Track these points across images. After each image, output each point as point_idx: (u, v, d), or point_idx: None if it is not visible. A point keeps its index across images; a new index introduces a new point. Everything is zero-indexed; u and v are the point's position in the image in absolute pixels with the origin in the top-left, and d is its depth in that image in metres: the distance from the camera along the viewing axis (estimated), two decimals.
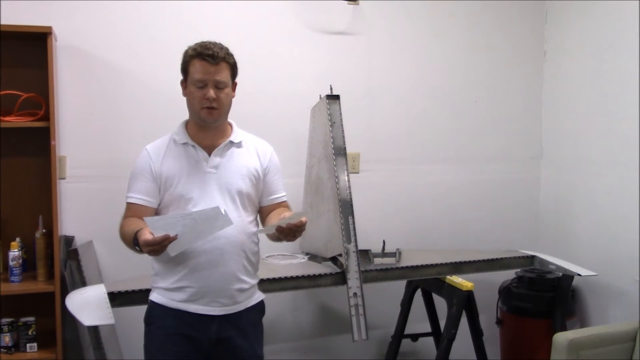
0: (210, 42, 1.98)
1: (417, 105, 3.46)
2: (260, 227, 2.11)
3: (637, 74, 2.99)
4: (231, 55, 2.00)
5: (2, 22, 2.55)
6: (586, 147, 3.36)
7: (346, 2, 3.26)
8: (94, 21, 2.87)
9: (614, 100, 3.17)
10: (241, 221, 2.00)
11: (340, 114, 2.78)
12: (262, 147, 2.12)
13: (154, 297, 2.04)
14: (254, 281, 2.10)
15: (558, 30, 3.56)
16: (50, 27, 2.53)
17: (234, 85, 2.05)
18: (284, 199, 2.16)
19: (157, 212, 2.02)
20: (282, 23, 3.18)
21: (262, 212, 2.13)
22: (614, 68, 3.16)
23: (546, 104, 3.67)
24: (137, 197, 1.99)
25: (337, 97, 2.81)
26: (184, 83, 2.02)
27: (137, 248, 1.83)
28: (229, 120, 2.10)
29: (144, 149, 2.05)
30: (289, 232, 1.86)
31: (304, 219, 1.86)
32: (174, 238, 1.74)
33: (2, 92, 2.59)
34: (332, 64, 3.26)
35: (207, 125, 2.01)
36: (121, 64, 2.93)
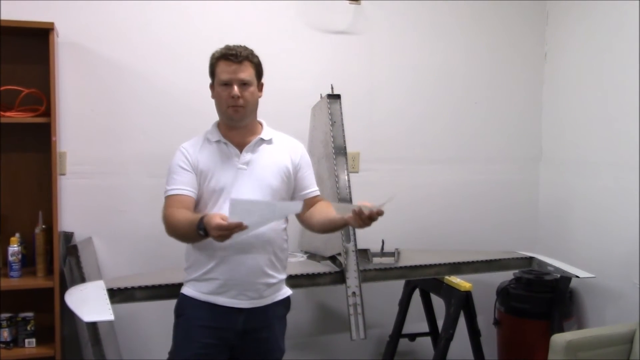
0: (234, 45, 2.02)
1: (417, 106, 3.46)
2: (286, 222, 2.12)
3: (637, 75, 2.99)
4: (255, 56, 2.05)
5: (4, 18, 2.55)
6: (586, 149, 3.36)
7: (348, 1, 3.26)
8: (96, 18, 2.87)
9: (614, 102, 3.17)
10: None
11: (341, 113, 2.79)
12: (292, 144, 2.17)
13: (185, 290, 2.08)
14: (282, 276, 2.12)
15: (559, 32, 3.57)
16: (52, 23, 2.53)
17: (260, 85, 2.09)
18: (317, 193, 2.19)
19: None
20: (284, 22, 3.18)
21: None
22: (614, 70, 3.17)
23: (546, 106, 3.67)
24: (182, 189, 2.00)
25: (337, 96, 2.82)
26: (212, 86, 2.06)
27: (201, 233, 1.81)
28: (259, 119, 2.14)
29: (180, 147, 2.08)
30: (363, 218, 1.82)
31: (382, 209, 1.81)
32: (246, 227, 1.72)
33: (3, 88, 2.59)
34: (333, 64, 3.26)
35: (235, 124, 2.05)
36: (122, 61, 2.93)
